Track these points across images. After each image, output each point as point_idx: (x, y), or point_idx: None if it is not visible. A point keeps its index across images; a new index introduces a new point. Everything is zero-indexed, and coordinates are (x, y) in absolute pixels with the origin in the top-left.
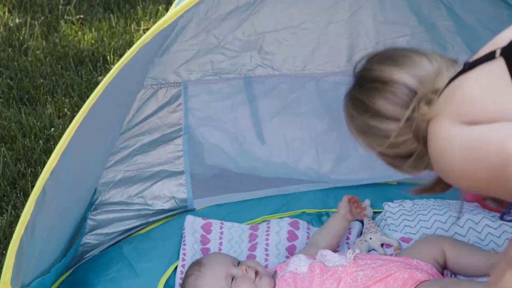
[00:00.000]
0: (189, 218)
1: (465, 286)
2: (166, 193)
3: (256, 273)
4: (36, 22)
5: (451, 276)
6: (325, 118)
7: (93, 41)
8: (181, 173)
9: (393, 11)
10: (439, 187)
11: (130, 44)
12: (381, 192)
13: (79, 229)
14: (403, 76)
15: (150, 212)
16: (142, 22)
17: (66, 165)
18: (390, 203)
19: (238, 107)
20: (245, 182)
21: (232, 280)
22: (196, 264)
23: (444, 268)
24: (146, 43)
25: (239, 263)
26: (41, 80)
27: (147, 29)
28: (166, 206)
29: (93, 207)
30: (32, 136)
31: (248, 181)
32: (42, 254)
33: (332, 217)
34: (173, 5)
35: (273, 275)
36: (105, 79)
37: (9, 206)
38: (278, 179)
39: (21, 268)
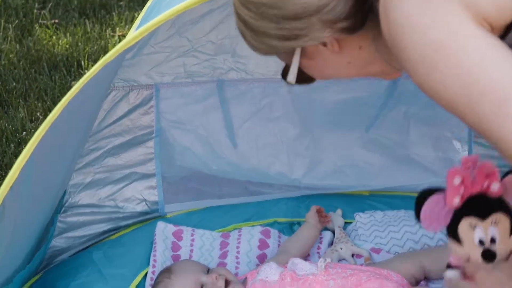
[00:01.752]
0: (160, 225)
1: None
2: (137, 195)
3: (226, 281)
4: (10, 26)
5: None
6: (297, 123)
7: (67, 46)
8: (152, 175)
9: None
10: None
11: (105, 49)
12: (353, 202)
13: (46, 234)
14: None
15: (121, 215)
16: (117, 28)
17: (28, 176)
18: (361, 214)
19: (210, 111)
20: (216, 185)
21: None
22: (166, 271)
23: (420, 281)
24: (110, 61)
25: (209, 270)
26: (14, 84)
27: (123, 35)
28: (138, 208)
29: (62, 209)
30: (4, 139)
31: (220, 184)
32: (3, 264)
33: (303, 226)
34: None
35: (243, 282)
36: (68, 93)
37: None
38: (249, 183)
39: None
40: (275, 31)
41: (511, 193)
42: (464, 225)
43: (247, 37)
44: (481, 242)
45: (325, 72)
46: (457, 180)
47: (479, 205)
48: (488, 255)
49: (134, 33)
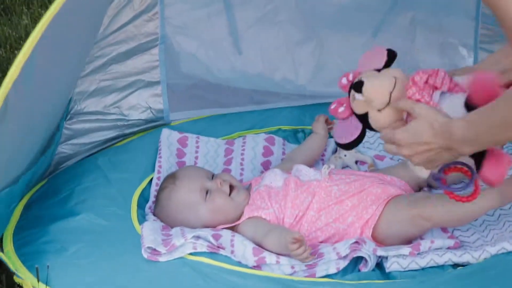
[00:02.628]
0: (165, 132)
1: (433, 199)
2: (142, 103)
3: (231, 186)
4: None
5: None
6: (302, 28)
7: None
8: (157, 83)
9: None
10: None
11: None
12: None
13: (52, 138)
14: None
15: (126, 123)
16: None
17: (29, 77)
18: None
19: (215, 16)
20: (221, 93)
21: (207, 193)
22: (171, 177)
23: (422, 188)
24: None
25: (213, 176)
26: None
27: None
28: (143, 116)
29: (68, 116)
30: (8, 46)
31: (224, 93)
32: (8, 165)
33: (311, 137)
34: None
35: (248, 188)
36: None
37: None
38: (254, 92)
39: None
40: None
41: None
42: None
43: None
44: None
45: None
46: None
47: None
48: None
49: None
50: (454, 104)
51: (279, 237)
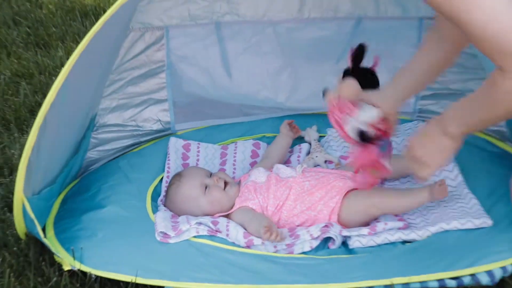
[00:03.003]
0: (173, 139)
1: (387, 191)
2: (153, 117)
3: (225, 182)
4: None
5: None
6: (280, 57)
7: None
8: (165, 100)
9: None
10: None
11: None
12: (326, 119)
13: (81, 145)
14: None
15: (141, 132)
16: None
17: (63, 98)
18: (332, 129)
19: (210, 47)
20: (216, 108)
21: (206, 188)
22: (177, 175)
23: None
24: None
25: (211, 174)
26: (53, 29)
27: None
28: (154, 127)
29: (95, 128)
30: (47, 73)
31: (219, 107)
32: (48, 168)
33: (278, 136)
34: None
35: (239, 184)
36: (92, 28)
37: (28, 129)
38: (243, 106)
39: (31, 180)
40: None
41: None
42: None
43: None
44: None
45: None
46: None
47: None
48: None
49: None
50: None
51: (257, 227)
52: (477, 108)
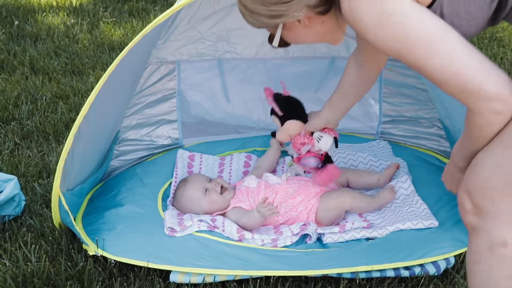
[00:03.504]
0: (180, 151)
1: (353, 193)
2: (165, 134)
3: (222, 187)
4: (84, 22)
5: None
6: (269, 86)
7: (121, 36)
8: (175, 121)
9: None
10: None
11: None
12: None
13: (107, 155)
14: None
15: (154, 146)
16: None
17: (94, 113)
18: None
19: (213, 78)
20: (216, 127)
21: (206, 191)
22: (183, 181)
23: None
24: (147, 34)
25: (211, 180)
26: (86, 60)
27: None
28: (166, 142)
29: (117, 142)
30: (80, 95)
31: (219, 126)
32: (80, 170)
33: (269, 149)
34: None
35: (234, 188)
36: (117, 58)
37: (64, 140)
38: (238, 126)
39: (66, 178)
40: (266, 12)
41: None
42: None
43: (246, 16)
44: None
45: (298, 40)
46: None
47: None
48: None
49: (160, 16)
50: (327, 140)
51: (248, 216)
52: (468, 144)
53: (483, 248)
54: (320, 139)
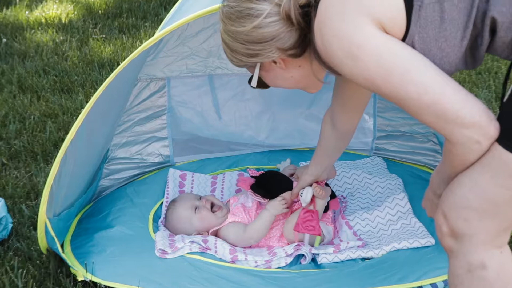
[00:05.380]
0: (171, 170)
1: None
2: (156, 151)
3: (212, 204)
4: (73, 39)
5: None
6: (261, 103)
7: (111, 52)
8: (165, 138)
9: None
10: None
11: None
12: (298, 155)
13: (96, 174)
14: None
15: (145, 164)
16: (144, 40)
17: (81, 135)
18: (303, 162)
19: (203, 95)
20: (208, 144)
21: (196, 209)
22: (173, 201)
23: None
24: (136, 56)
25: (200, 198)
26: (76, 77)
27: None
28: (156, 160)
29: (107, 160)
30: (69, 114)
31: (210, 144)
32: (67, 194)
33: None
34: (158, 28)
35: (226, 204)
36: (107, 79)
37: (53, 160)
38: (230, 143)
39: (52, 204)
40: (243, 50)
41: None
42: None
43: (227, 53)
44: None
45: (275, 82)
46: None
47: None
48: None
49: (147, 41)
50: (307, 193)
51: (259, 220)
52: (446, 171)
53: (462, 271)
54: (301, 194)
